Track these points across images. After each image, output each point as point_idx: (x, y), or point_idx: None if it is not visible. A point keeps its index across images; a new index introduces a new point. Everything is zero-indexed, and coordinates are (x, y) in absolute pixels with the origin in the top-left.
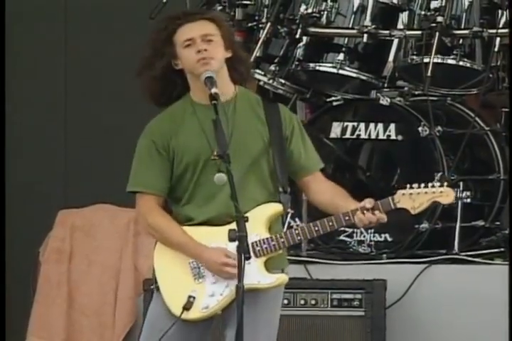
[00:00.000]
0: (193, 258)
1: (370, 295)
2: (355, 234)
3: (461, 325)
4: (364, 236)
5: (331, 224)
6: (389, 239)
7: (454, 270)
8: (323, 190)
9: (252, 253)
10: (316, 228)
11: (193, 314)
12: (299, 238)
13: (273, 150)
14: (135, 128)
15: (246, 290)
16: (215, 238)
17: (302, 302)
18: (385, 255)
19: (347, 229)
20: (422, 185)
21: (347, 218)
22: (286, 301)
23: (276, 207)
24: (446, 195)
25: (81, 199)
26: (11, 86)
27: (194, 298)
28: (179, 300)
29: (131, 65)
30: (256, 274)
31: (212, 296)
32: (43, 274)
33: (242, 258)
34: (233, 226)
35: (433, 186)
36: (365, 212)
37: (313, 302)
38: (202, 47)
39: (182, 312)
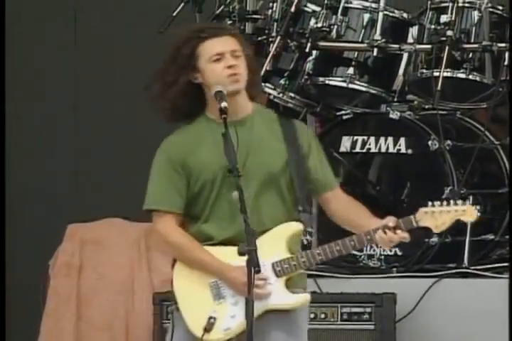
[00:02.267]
0: (217, 276)
1: (380, 309)
2: (365, 248)
3: (471, 338)
4: (374, 250)
5: (352, 243)
6: (399, 253)
7: (463, 284)
8: (344, 207)
9: (272, 274)
10: (338, 247)
11: (215, 335)
12: (320, 258)
13: (291, 168)
14: (146, 142)
15: (267, 310)
16: (236, 257)
17: (312, 316)
18: (394, 269)
19: None
20: (445, 202)
21: (368, 237)
22: None
23: (296, 227)
24: (469, 213)
25: (90, 213)
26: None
27: (215, 318)
28: (199, 320)
29: (142, 72)
30: (277, 294)
31: (233, 317)
32: (52, 288)
33: (252, 271)
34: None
35: (455, 204)
36: (386, 230)
37: (323, 316)
38: (233, 63)
39: (203, 334)
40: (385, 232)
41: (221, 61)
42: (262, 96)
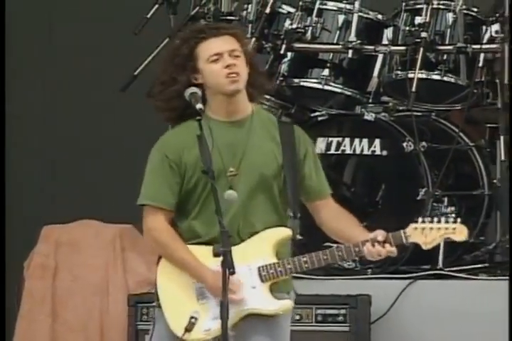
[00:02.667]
0: (195, 279)
1: (355, 311)
2: None
3: (446, 339)
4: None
5: (340, 254)
6: None
7: (438, 285)
8: (334, 217)
9: (258, 278)
10: (325, 257)
11: (195, 335)
12: (306, 266)
13: (285, 172)
14: (123, 144)
15: (249, 314)
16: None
17: None
18: (369, 270)
19: (331, 244)
20: (435, 219)
21: (357, 249)
22: None
23: (285, 232)
24: (459, 232)
25: (66, 214)
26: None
27: (196, 318)
28: (181, 319)
29: (117, 72)
30: (260, 299)
31: (215, 319)
32: (26, 290)
33: (227, 273)
34: (240, 247)
35: (446, 222)
36: (375, 244)
37: (297, 317)
38: (231, 62)
39: (184, 334)
40: (373, 245)
41: (219, 61)
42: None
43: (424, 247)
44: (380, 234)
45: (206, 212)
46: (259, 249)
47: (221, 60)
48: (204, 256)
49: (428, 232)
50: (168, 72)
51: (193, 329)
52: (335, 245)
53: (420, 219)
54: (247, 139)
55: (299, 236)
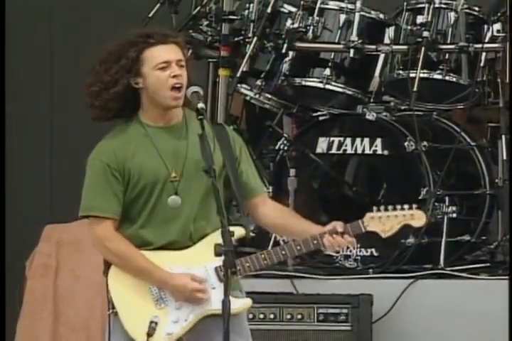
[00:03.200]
0: (158, 285)
1: (357, 310)
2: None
3: (447, 339)
4: (350, 251)
5: (298, 248)
6: (375, 254)
7: (439, 285)
8: (276, 213)
9: (216, 278)
10: (283, 252)
11: (157, 339)
12: (265, 262)
13: (227, 172)
14: None
15: (211, 314)
16: (177, 262)
17: (288, 316)
18: (371, 270)
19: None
20: (390, 207)
21: (315, 241)
22: (272, 316)
23: (239, 231)
24: (417, 218)
25: (67, 213)
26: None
27: (156, 323)
28: (140, 325)
29: None
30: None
31: (176, 322)
32: (28, 289)
33: (229, 272)
34: (193, 250)
35: (402, 209)
36: (334, 235)
37: (299, 316)
38: (178, 73)
39: (147, 339)
40: (332, 237)
41: (167, 69)
42: (238, 96)
43: (383, 235)
44: (338, 225)
45: (155, 220)
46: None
47: (169, 68)
48: (159, 260)
49: (385, 220)
50: (111, 72)
51: (154, 334)
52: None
53: (375, 208)
54: (187, 143)
55: (251, 234)
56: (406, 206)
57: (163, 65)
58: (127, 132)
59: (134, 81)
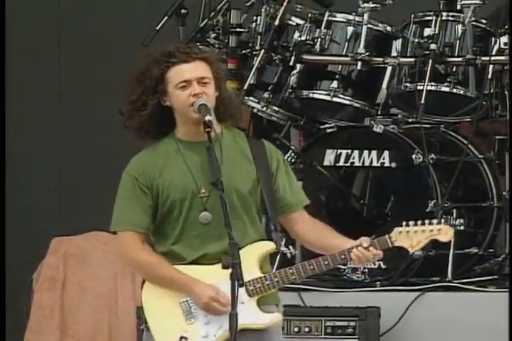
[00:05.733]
0: (185, 292)
1: (364, 323)
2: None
3: None
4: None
5: (326, 263)
6: (383, 267)
7: (447, 297)
8: (310, 229)
9: (245, 293)
10: (312, 267)
11: None
12: (293, 277)
13: (262, 188)
14: (132, 154)
15: (241, 329)
16: (208, 277)
17: (296, 329)
18: (378, 282)
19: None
20: (419, 222)
21: (343, 257)
22: None
23: (268, 246)
24: (444, 233)
25: (75, 226)
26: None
27: (186, 338)
28: (171, 340)
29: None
30: (250, 314)
31: (205, 337)
32: (35, 302)
33: (236, 285)
34: None
35: (430, 223)
36: (361, 249)
37: (306, 329)
38: (198, 92)
39: None
40: (359, 251)
41: (187, 88)
42: (245, 109)
43: (410, 250)
44: (364, 241)
45: (187, 236)
46: (244, 264)
47: (189, 87)
48: (193, 273)
49: (413, 235)
50: (138, 93)
51: None
52: None
53: (404, 223)
54: (220, 159)
55: (283, 249)
56: (434, 221)
57: (183, 84)
58: (160, 147)
59: (163, 99)
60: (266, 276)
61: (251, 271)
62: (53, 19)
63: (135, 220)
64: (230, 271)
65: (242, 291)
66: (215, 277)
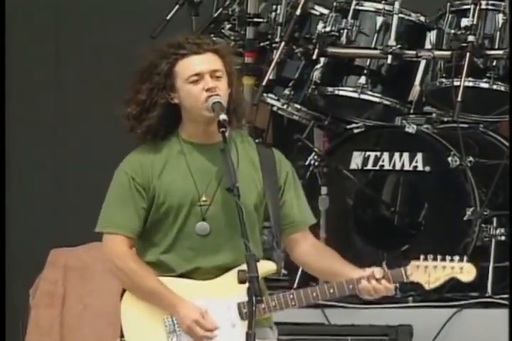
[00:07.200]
0: (167, 309)
1: None
2: None
3: None
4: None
5: (331, 291)
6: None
7: (487, 314)
8: (313, 251)
9: (237, 315)
10: (314, 294)
11: None
12: (292, 303)
13: (267, 201)
14: None
15: None
16: (199, 293)
17: None
18: (411, 298)
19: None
20: (439, 257)
21: (351, 286)
22: None
23: (269, 266)
24: (466, 272)
25: (74, 236)
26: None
27: None
28: None
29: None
30: (241, 338)
31: None
32: (32, 319)
33: (253, 301)
34: (219, 281)
35: (452, 260)
36: (371, 280)
37: None
38: (211, 85)
39: None
40: (369, 282)
41: (199, 82)
42: (264, 107)
43: (426, 287)
44: (377, 271)
45: (180, 246)
46: (240, 284)
47: (201, 81)
48: (177, 288)
49: (431, 271)
50: (146, 92)
51: None
52: None
53: (422, 257)
54: (223, 166)
55: (283, 271)
56: (456, 257)
57: (194, 77)
58: (161, 146)
59: (170, 97)
60: (262, 299)
61: (245, 291)
62: (53, 19)
63: (126, 223)
64: (234, 286)
65: (233, 313)
66: (206, 293)
